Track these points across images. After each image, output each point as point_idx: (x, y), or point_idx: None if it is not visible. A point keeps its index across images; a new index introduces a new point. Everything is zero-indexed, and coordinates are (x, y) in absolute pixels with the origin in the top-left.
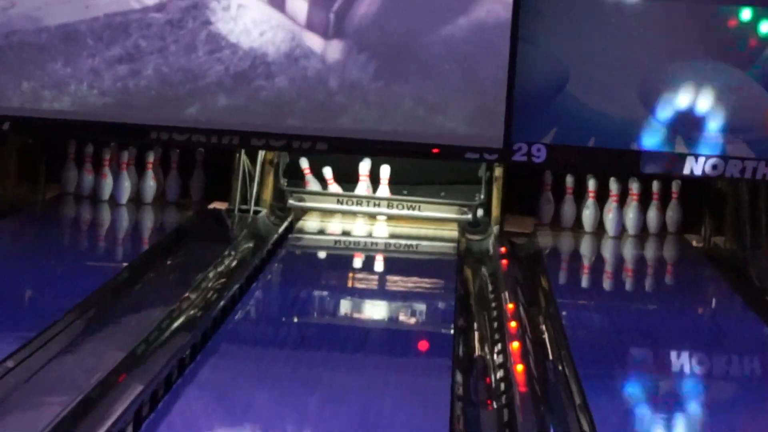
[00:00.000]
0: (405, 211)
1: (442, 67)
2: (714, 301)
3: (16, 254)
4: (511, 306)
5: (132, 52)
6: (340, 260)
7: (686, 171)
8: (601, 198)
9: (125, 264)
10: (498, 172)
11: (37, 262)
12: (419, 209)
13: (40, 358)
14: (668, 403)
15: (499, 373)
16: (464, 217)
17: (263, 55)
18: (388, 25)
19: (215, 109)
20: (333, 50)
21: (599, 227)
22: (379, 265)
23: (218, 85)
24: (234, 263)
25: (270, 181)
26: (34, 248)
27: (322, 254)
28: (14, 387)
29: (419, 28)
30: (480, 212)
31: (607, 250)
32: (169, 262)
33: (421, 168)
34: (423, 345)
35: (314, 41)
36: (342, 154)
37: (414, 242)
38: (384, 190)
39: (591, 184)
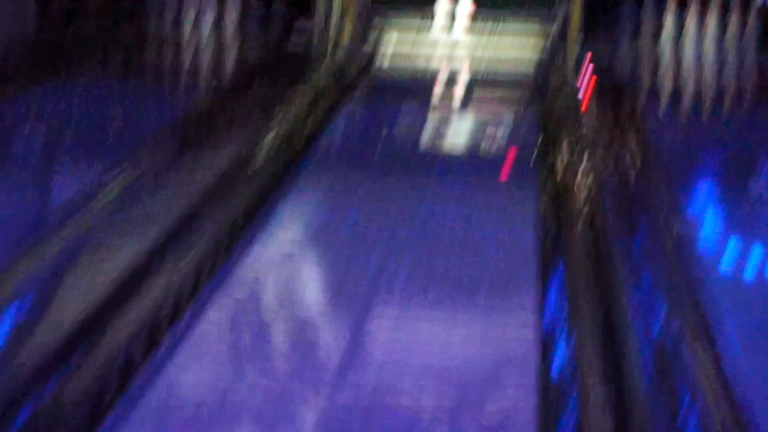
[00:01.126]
0: (485, 37)
1: None
2: None
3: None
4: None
5: None
6: (422, 88)
7: None
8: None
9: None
10: None
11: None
12: (503, 21)
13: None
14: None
15: (584, 194)
16: (547, 27)
17: None
18: None
19: None
20: None
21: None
22: (460, 90)
23: None
24: (316, 94)
25: (352, 12)
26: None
27: (404, 82)
28: (102, 219)
29: None
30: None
31: (689, 60)
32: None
33: None
34: (505, 172)
35: None
36: None
37: (495, 66)
38: (466, 4)
39: None
